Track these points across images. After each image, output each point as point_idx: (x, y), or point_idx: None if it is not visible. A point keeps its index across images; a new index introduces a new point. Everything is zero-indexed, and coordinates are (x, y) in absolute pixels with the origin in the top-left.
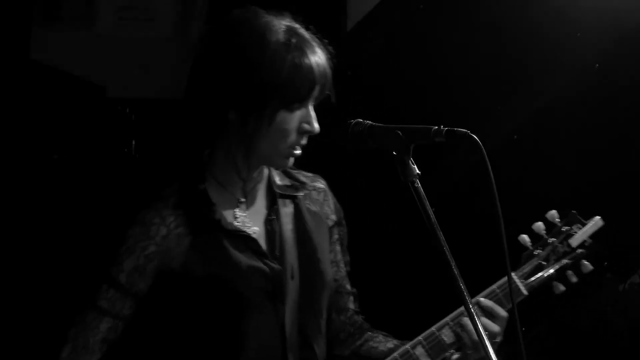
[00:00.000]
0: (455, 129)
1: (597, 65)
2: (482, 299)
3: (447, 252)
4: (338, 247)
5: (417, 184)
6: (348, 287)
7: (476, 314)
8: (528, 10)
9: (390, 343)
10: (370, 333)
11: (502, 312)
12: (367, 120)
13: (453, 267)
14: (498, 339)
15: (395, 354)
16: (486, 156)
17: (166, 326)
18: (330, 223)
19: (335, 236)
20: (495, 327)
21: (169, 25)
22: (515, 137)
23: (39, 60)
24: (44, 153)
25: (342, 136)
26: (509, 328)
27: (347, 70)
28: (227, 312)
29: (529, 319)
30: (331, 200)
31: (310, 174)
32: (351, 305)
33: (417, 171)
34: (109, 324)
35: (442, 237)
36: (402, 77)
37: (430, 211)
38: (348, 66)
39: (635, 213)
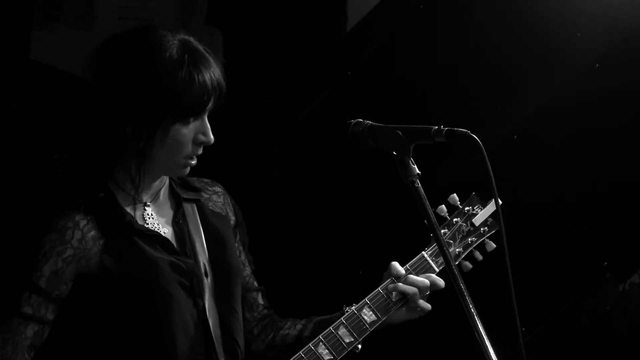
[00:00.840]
0: (455, 129)
1: (597, 65)
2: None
3: (447, 252)
4: (241, 247)
5: (417, 184)
6: (255, 284)
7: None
8: (528, 10)
9: (299, 324)
10: (279, 323)
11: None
12: (367, 120)
13: (453, 267)
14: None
15: (320, 336)
16: (486, 156)
17: (92, 328)
18: (233, 223)
19: (238, 236)
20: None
21: (169, 25)
22: (515, 137)
23: (39, 60)
24: (44, 153)
25: (342, 136)
26: (509, 328)
27: (347, 70)
28: (150, 306)
29: (528, 319)
30: (230, 203)
31: (207, 180)
32: (261, 301)
33: (417, 171)
34: (35, 329)
35: (442, 237)
36: (402, 77)
37: (431, 211)
38: (348, 66)
39: (635, 213)
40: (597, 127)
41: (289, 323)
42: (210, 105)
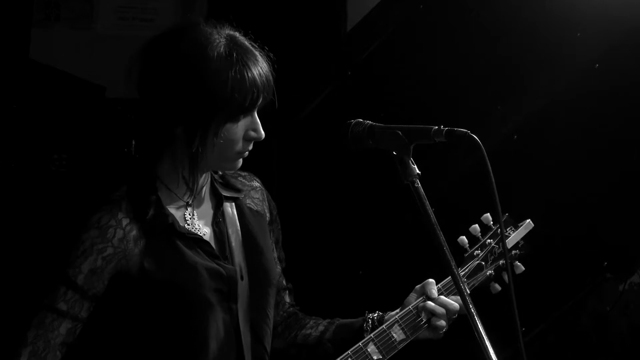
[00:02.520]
0: (455, 129)
1: (597, 65)
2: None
3: (447, 252)
4: (274, 245)
5: (418, 184)
6: (284, 282)
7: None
8: (528, 11)
9: (321, 325)
10: (303, 321)
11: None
12: (367, 120)
13: (453, 267)
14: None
15: (349, 351)
16: (486, 156)
17: (125, 329)
18: (268, 220)
19: (272, 234)
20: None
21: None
22: (515, 137)
23: (39, 60)
24: (44, 153)
25: (343, 136)
26: (509, 328)
27: (347, 69)
28: (187, 313)
29: (529, 319)
30: (267, 198)
31: (245, 173)
32: (287, 299)
33: (417, 171)
34: (68, 326)
35: (442, 237)
36: (402, 76)
37: (430, 211)
38: (348, 66)
39: (635, 213)
40: (597, 127)
41: (311, 322)
42: (260, 101)
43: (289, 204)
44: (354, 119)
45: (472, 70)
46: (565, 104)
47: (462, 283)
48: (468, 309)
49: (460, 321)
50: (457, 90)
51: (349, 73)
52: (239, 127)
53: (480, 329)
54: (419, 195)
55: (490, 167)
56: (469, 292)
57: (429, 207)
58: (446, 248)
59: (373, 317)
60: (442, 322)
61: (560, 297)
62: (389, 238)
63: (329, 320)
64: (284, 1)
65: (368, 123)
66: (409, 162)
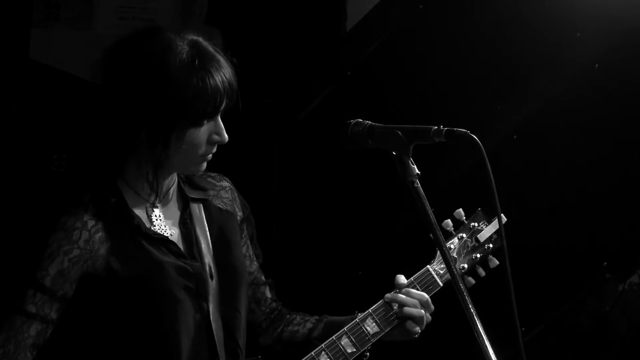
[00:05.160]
0: (455, 129)
1: (597, 65)
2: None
3: (446, 252)
4: (248, 241)
5: (417, 184)
6: (263, 278)
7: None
8: (528, 11)
9: (309, 323)
10: (288, 317)
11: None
12: (366, 120)
13: (453, 267)
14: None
15: (322, 345)
16: (486, 156)
17: (95, 330)
18: (239, 219)
19: (245, 231)
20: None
21: (169, 26)
22: (515, 137)
23: (39, 60)
24: (44, 153)
25: (342, 136)
26: (509, 328)
27: (347, 70)
28: (156, 311)
29: (528, 319)
30: (237, 197)
31: (214, 174)
32: (268, 295)
33: (417, 171)
34: (38, 328)
35: (442, 237)
36: (402, 77)
37: (430, 211)
38: (348, 66)
39: (635, 213)
40: (597, 127)
41: (298, 318)
42: (223, 106)
43: (289, 204)
44: (353, 119)
45: (472, 70)
46: (566, 104)
47: (461, 283)
48: (468, 309)
49: (460, 321)
50: (457, 90)
51: (349, 73)
52: (202, 132)
53: (480, 329)
54: (419, 195)
55: (489, 167)
56: (442, 285)
57: (428, 207)
58: (445, 248)
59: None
60: (413, 312)
61: (560, 297)
62: (389, 238)
63: (316, 317)
64: (284, 1)
65: (368, 123)
66: (408, 162)
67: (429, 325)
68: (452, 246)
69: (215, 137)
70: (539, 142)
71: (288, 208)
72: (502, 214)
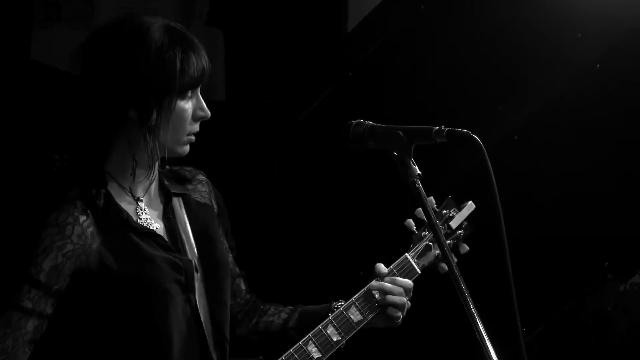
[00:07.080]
0: (456, 129)
1: (598, 66)
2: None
3: (448, 253)
4: (224, 235)
5: (418, 184)
6: (237, 270)
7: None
8: (528, 11)
9: (284, 313)
10: (262, 307)
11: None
12: (368, 120)
13: (454, 268)
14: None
15: (309, 334)
16: (487, 156)
17: (89, 324)
18: (216, 212)
19: (220, 225)
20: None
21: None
22: (516, 137)
23: (40, 60)
24: (44, 153)
25: (343, 137)
26: (510, 328)
27: (348, 70)
28: (149, 305)
29: (529, 319)
30: (212, 190)
31: (189, 168)
32: (243, 287)
33: (418, 171)
34: (35, 324)
35: (443, 237)
36: (403, 77)
37: (432, 212)
38: (349, 66)
39: (636, 213)
40: (598, 128)
41: (272, 309)
42: (205, 78)
43: (290, 205)
44: (354, 120)
45: (473, 70)
46: (566, 104)
47: (461, 282)
48: (468, 308)
49: (460, 321)
50: (458, 90)
51: (350, 74)
52: (189, 106)
53: (481, 329)
54: (420, 196)
55: (491, 167)
56: (420, 272)
57: (429, 207)
58: (447, 248)
59: (337, 305)
60: (396, 300)
61: (561, 297)
62: (389, 239)
63: (291, 307)
64: (285, 2)
65: (369, 123)
66: (409, 163)
67: (429, 325)
68: (426, 233)
69: (200, 112)
70: (539, 143)
71: (288, 209)
72: (471, 202)
